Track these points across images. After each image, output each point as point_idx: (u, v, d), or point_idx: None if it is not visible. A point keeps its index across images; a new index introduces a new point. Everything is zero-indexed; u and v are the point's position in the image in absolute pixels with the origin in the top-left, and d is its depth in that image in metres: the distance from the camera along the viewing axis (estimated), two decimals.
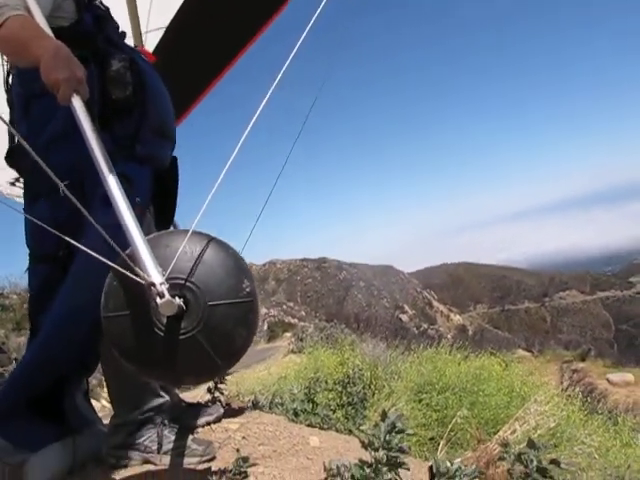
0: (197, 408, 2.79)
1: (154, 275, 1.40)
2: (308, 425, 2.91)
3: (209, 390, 3.21)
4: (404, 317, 68.09)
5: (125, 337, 1.52)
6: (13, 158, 2.15)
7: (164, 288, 1.38)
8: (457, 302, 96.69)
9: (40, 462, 2.03)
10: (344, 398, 3.54)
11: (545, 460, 1.58)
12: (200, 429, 2.54)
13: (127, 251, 1.48)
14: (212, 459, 2.17)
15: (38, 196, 2.11)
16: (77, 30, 2.07)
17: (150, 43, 3.49)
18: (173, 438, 2.18)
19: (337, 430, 3.10)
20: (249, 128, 1.60)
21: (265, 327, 32.14)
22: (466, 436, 5.96)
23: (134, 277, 1.42)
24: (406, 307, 72.65)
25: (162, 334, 1.46)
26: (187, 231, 1.55)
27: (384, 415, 1.47)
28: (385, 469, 1.41)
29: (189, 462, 2.12)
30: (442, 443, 4.80)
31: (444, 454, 4.46)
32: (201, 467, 2.09)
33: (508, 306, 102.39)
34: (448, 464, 1.32)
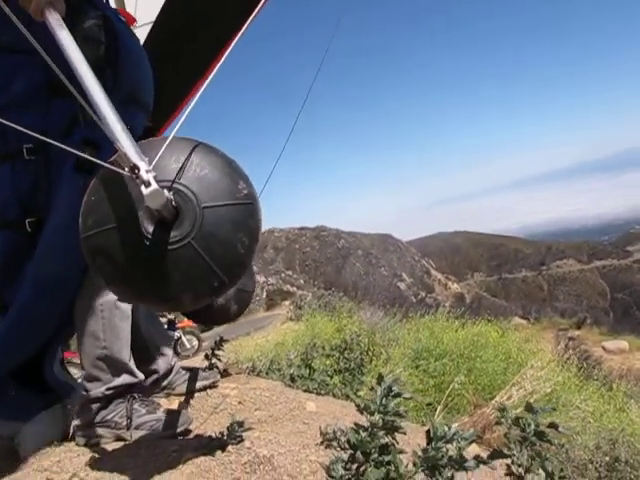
0: (193, 373, 2.77)
1: (139, 162, 1.25)
2: (305, 390, 2.90)
3: (206, 356, 3.20)
4: (402, 285, 68.39)
5: (109, 256, 1.34)
6: None
7: (150, 176, 1.22)
8: (455, 271, 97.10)
9: (31, 431, 2.02)
10: (341, 364, 3.54)
11: (543, 424, 1.56)
12: (196, 394, 2.53)
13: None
14: (188, 431, 2.10)
15: (1, 160, 2.02)
16: None
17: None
18: (144, 412, 2.10)
19: (334, 395, 3.10)
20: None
21: (264, 295, 32.25)
22: (463, 402, 6.01)
23: (112, 168, 1.29)
24: (404, 275, 72.92)
25: (151, 244, 1.30)
26: (167, 138, 1.39)
27: (380, 379, 1.45)
28: (381, 433, 1.39)
29: (161, 434, 2.04)
30: (439, 408, 4.82)
31: (441, 419, 4.50)
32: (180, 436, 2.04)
33: (505, 275, 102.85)
34: (445, 428, 1.30)
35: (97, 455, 1.90)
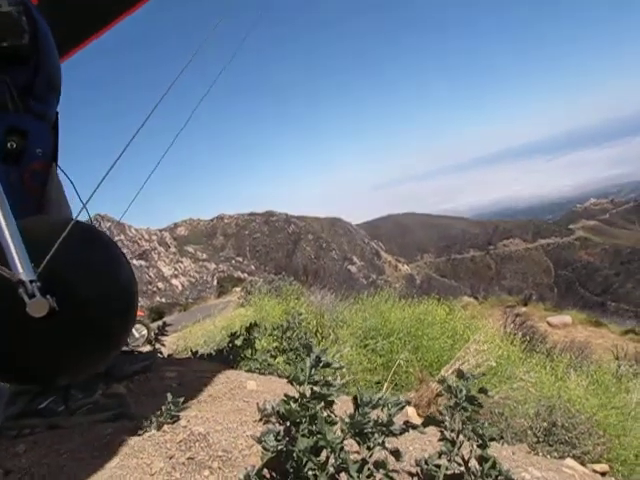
0: (131, 356, 2.74)
1: (26, 271, 1.28)
2: (247, 371, 2.91)
3: (149, 342, 3.16)
4: (353, 268, 68.97)
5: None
6: None
7: (35, 287, 1.27)
8: (405, 252, 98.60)
9: None
10: (284, 343, 3.55)
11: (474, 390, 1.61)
12: (135, 378, 2.49)
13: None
14: (125, 413, 2.05)
15: None
16: None
17: None
18: (80, 396, 2.05)
19: (279, 375, 3.11)
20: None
21: (214, 283, 31.98)
22: (411, 379, 6.14)
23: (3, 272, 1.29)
24: (355, 258, 73.49)
25: (46, 325, 1.35)
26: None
27: (309, 349, 1.46)
28: (313, 403, 1.41)
29: (98, 418, 1.99)
30: (386, 385, 4.92)
31: (389, 395, 4.59)
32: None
33: (454, 255, 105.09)
34: (372, 395, 1.33)
35: (27, 445, 1.85)
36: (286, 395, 1.43)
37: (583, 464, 3.28)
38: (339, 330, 7.44)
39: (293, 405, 1.40)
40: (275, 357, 3.42)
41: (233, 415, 2.01)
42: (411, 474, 1.71)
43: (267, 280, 19.69)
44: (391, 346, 7.06)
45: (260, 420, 1.97)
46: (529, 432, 4.27)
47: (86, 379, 2.16)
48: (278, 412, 1.40)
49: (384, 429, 1.32)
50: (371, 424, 1.29)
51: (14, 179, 1.83)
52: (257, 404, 1.99)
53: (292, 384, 1.44)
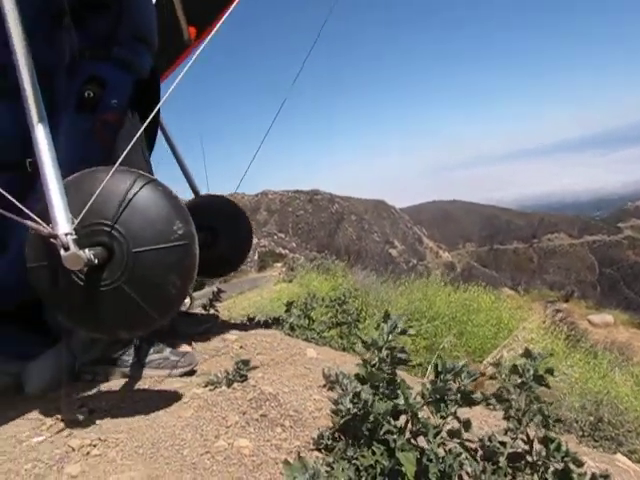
0: (194, 317, 2.81)
1: (60, 224, 1.31)
2: (304, 339, 2.94)
3: (204, 307, 3.22)
4: (394, 252, 68.58)
5: (48, 290, 1.45)
6: None
7: (70, 239, 1.29)
8: (447, 239, 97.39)
9: (36, 368, 2.04)
10: (338, 317, 3.58)
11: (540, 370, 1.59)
12: (198, 337, 2.56)
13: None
14: (193, 370, 2.12)
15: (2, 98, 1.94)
16: None
17: None
18: (151, 351, 2.11)
19: (331, 347, 3.15)
20: None
21: (256, 257, 32.29)
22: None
23: (33, 226, 1.33)
24: (396, 242, 73.04)
25: (82, 286, 1.38)
26: (110, 169, 1.43)
27: (387, 316, 1.48)
28: (387, 367, 1.42)
29: (169, 374, 2.06)
30: (429, 368, 4.92)
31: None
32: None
33: (497, 245, 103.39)
34: (453, 363, 1.34)
35: (105, 389, 1.93)
36: (363, 359, 1.45)
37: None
38: (383, 309, 7.46)
39: (370, 368, 1.42)
40: (329, 329, 3.46)
41: (297, 379, 2.05)
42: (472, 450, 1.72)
43: (309, 258, 19.80)
44: (435, 329, 7.06)
45: (324, 386, 2.00)
46: (575, 425, 4.22)
47: (154, 335, 2.23)
48: (357, 375, 1.42)
49: (463, 398, 1.32)
50: (453, 391, 1.30)
51: (86, 128, 1.84)
52: (323, 370, 2.02)
53: (369, 349, 1.46)
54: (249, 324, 3.17)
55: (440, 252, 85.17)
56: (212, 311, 3.27)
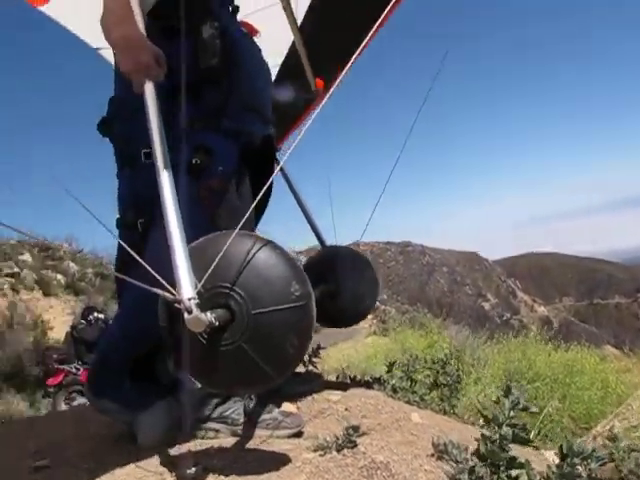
0: (298, 375, 2.83)
1: (184, 289, 1.39)
2: (406, 402, 2.89)
3: (303, 364, 3.25)
4: (486, 305, 66.49)
5: (174, 347, 1.55)
6: (104, 127, 2.22)
7: (193, 303, 1.37)
8: (542, 293, 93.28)
9: (148, 420, 2.13)
10: (440, 378, 3.50)
11: None
12: (303, 398, 2.58)
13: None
14: (300, 432, 2.13)
15: (123, 165, 2.19)
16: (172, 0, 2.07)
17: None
18: (261, 410, 2.16)
19: (433, 410, 3.07)
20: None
21: None
22: (556, 428, 5.77)
23: (158, 292, 1.42)
24: (489, 295, 70.88)
25: (205, 345, 1.46)
26: (231, 233, 1.51)
27: (508, 390, 1.43)
28: (507, 444, 1.37)
29: (278, 434, 2.09)
30: (533, 433, 4.66)
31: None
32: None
33: (597, 300, 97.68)
34: (582, 444, 1.27)
35: (216, 447, 1.98)
36: (483, 435, 1.41)
37: None
38: (480, 369, 7.20)
39: (491, 446, 1.38)
40: (430, 390, 3.38)
41: (405, 447, 2.01)
42: None
43: (401, 310, 19.58)
44: (536, 392, 6.71)
45: (433, 455, 1.94)
46: None
47: (263, 395, 2.27)
48: (477, 452, 1.38)
49: None
50: (584, 478, 1.23)
51: (192, 193, 1.91)
52: (432, 439, 1.97)
53: (489, 424, 1.42)
54: (350, 383, 3.15)
55: (535, 306, 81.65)
56: (310, 367, 3.29)
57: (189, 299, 1.38)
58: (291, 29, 3.24)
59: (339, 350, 10.04)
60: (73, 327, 9.27)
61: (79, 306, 14.06)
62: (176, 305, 1.39)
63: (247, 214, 1.64)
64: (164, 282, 1.42)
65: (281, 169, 2.89)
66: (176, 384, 2.26)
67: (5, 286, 13.25)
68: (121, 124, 2.15)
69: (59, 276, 15.51)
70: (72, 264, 16.90)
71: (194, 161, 1.96)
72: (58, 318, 13.46)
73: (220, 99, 2.08)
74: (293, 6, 3.21)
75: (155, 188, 1.64)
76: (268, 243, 1.54)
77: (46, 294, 14.20)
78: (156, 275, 1.43)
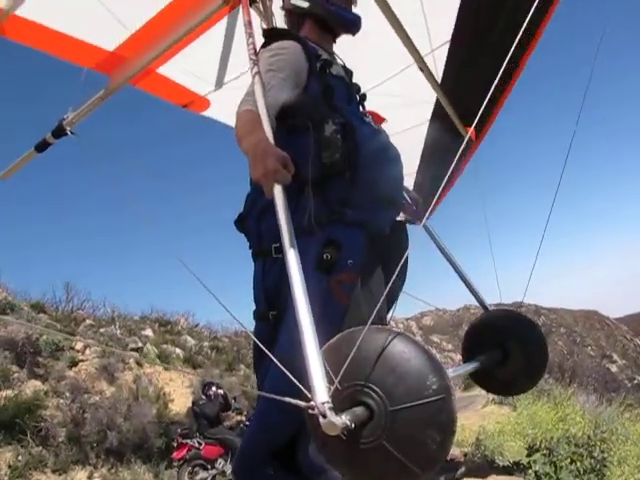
0: (448, 465, 2.73)
1: (318, 394, 1.37)
2: None
3: None
4: (613, 367, 61.62)
5: (320, 446, 1.54)
6: (240, 224, 2.33)
7: (326, 407, 1.34)
8: None
9: None
10: (585, 462, 3.24)
11: None
12: None
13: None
14: None
15: (256, 257, 2.26)
16: (301, 99, 2.20)
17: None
18: None
19: None
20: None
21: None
22: None
23: (291, 401, 1.42)
24: (615, 356, 65.77)
25: (347, 442, 1.42)
26: (363, 329, 1.49)
27: None
28: None
29: None
30: None
31: None
32: None
33: None
34: None
35: None
36: None
37: None
38: (621, 446, 6.56)
39: None
40: (576, 477, 3.15)
41: None
42: None
43: None
44: None
45: None
46: None
47: None
48: None
49: None
50: None
51: (324, 288, 1.94)
52: None
53: None
54: (489, 468, 3.01)
55: None
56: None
57: (323, 403, 1.36)
58: (432, 87, 3.33)
59: (459, 422, 9.61)
60: (194, 402, 9.58)
61: (196, 379, 14.56)
62: (310, 411, 1.39)
63: (377, 306, 1.65)
64: (299, 384, 1.44)
65: (428, 230, 2.99)
66: (318, 472, 2.26)
67: (130, 360, 13.95)
68: (254, 221, 2.26)
69: (178, 350, 16.17)
70: (189, 338, 17.63)
71: (325, 256, 1.99)
72: (178, 390, 13.95)
73: (344, 191, 2.12)
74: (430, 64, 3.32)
75: (285, 282, 1.67)
76: (401, 335, 1.50)
77: (166, 368, 14.81)
78: (291, 377, 1.46)
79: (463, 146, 1.85)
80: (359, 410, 1.42)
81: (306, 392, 1.40)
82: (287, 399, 1.43)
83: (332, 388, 1.42)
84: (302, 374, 1.45)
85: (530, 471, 2.80)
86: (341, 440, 1.43)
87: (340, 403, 1.42)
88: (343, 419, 1.35)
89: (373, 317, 1.68)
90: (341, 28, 2.55)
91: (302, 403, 1.40)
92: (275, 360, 1.55)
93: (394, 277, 1.71)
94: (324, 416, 1.34)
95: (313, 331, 1.51)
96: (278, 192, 1.76)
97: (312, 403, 1.37)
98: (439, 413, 1.41)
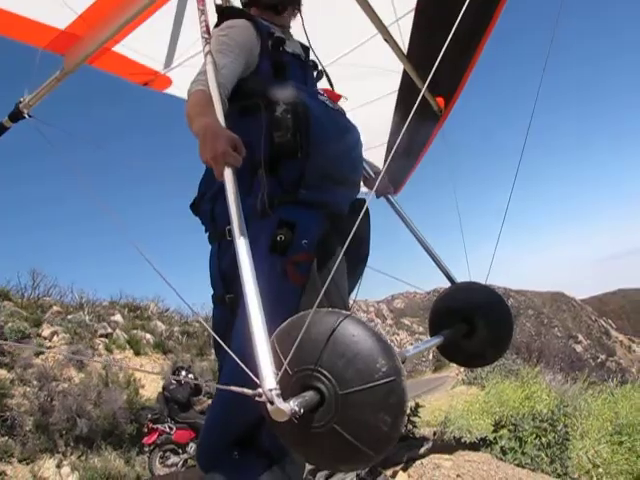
0: (403, 440, 2.76)
1: (266, 379, 1.38)
2: (517, 465, 2.75)
3: (405, 426, 3.16)
4: (578, 347, 63.17)
5: (277, 431, 1.54)
6: (194, 207, 2.33)
7: (274, 394, 1.35)
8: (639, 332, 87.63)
9: None
10: (548, 437, 3.30)
11: None
12: (411, 464, 2.50)
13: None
14: None
15: (211, 240, 2.25)
16: (252, 79, 2.20)
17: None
18: None
19: (544, 472, 2.90)
20: None
21: (430, 356, 31.51)
22: None
23: (238, 390, 1.42)
24: (580, 336, 67.39)
25: (299, 426, 1.43)
26: (309, 313, 1.48)
27: None
28: None
29: None
30: None
31: None
32: None
33: None
34: None
35: None
36: None
37: None
38: (584, 421, 6.74)
39: None
40: (539, 450, 3.21)
41: None
42: None
43: None
44: None
45: None
46: None
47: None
48: None
49: None
50: None
51: (278, 270, 1.94)
52: None
53: None
54: (455, 445, 3.05)
55: (633, 346, 76.74)
56: (410, 427, 3.21)
57: (270, 390, 1.37)
58: (398, 57, 3.30)
59: (428, 403, 9.75)
60: (164, 387, 9.52)
61: (167, 364, 14.49)
62: (257, 398, 1.38)
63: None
64: (248, 371, 1.43)
65: (392, 203, 3.00)
66: (281, 452, 2.26)
67: (100, 346, 13.82)
68: (207, 204, 2.23)
69: (148, 335, 16.06)
70: (159, 323, 17.49)
71: (279, 238, 1.98)
72: (148, 376, 13.87)
73: (297, 171, 2.10)
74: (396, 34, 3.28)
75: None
76: (350, 318, 1.50)
77: (137, 353, 14.71)
78: (241, 364, 1.44)
79: (418, 101, 1.82)
80: (309, 395, 1.42)
81: (255, 379, 1.40)
82: (234, 388, 1.43)
83: (280, 373, 1.42)
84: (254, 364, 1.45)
85: (496, 446, 2.83)
86: (294, 424, 1.42)
87: (291, 388, 1.43)
88: (291, 405, 1.35)
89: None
90: (282, 5, 2.51)
91: (249, 391, 1.40)
92: (226, 348, 1.57)
93: (343, 249, 1.66)
94: (271, 403, 1.34)
95: (262, 317, 1.50)
96: (228, 175, 1.74)
97: (259, 390, 1.37)
98: (389, 395, 1.42)
